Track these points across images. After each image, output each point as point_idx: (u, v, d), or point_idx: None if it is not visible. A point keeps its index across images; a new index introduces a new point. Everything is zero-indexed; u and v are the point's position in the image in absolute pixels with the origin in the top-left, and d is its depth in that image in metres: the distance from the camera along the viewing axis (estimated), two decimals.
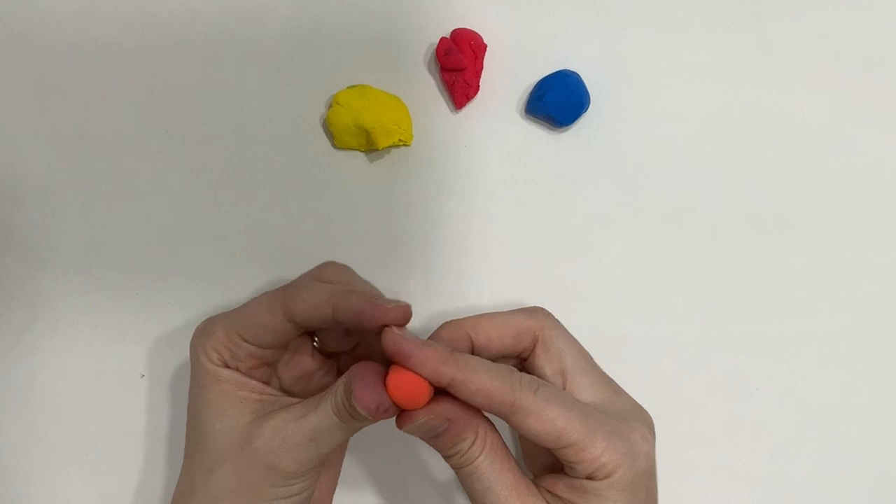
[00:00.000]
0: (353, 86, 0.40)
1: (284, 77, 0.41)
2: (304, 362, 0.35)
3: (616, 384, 0.33)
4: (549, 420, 0.29)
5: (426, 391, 0.29)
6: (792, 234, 0.41)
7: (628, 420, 0.31)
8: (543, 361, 0.33)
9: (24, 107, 0.41)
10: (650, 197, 0.41)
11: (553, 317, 0.34)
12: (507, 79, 0.41)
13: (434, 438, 0.30)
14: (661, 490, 0.32)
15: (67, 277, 0.40)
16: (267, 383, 0.34)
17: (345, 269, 0.35)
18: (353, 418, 0.30)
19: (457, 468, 0.31)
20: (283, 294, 0.33)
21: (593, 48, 0.41)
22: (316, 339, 0.35)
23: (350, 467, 0.39)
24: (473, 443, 0.30)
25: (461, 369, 0.29)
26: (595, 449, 0.29)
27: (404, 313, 0.31)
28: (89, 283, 0.40)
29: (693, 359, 0.40)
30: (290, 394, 0.34)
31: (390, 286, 0.40)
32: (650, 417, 0.33)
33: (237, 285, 0.40)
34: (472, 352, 0.33)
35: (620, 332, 0.40)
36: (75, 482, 0.39)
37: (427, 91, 0.41)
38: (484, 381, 0.29)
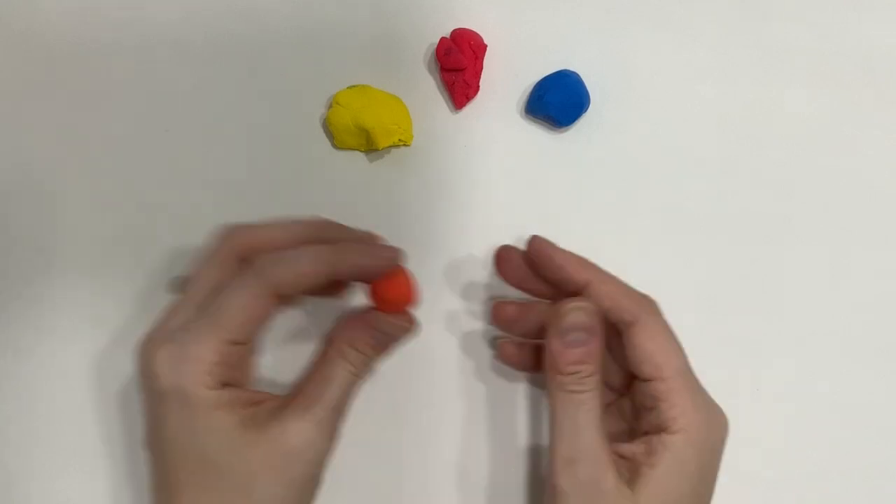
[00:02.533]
0: (353, 86, 0.40)
1: (284, 77, 0.41)
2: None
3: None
4: (659, 346, 0.32)
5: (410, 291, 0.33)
6: (792, 234, 0.41)
7: (716, 408, 0.33)
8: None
9: (25, 107, 0.41)
10: (650, 197, 0.41)
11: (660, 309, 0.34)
12: (507, 79, 0.41)
13: (574, 347, 0.32)
14: None
15: (67, 277, 0.40)
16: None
17: (258, 225, 0.34)
18: (367, 368, 0.33)
19: (568, 392, 0.32)
20: (260, 276, 0.31)
21: (593, 48, 0.41)
22: None
23: (351, 468, 0.39)
24: (593, 374, 0.32)
25: (597, 274, 0.33)
26: (683, 396, 0.31)
27: (400, 254, 0.32)
28: (89, 283, 0.40)
29: (693, 358, 0.39)
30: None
31: None
32: (728, 427, 0.33)
33: None
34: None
35: None
36: (75, 482, 0.39)
37: (427, 91, 0.41)
38: (616, 288, 0.33)
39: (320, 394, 0.32)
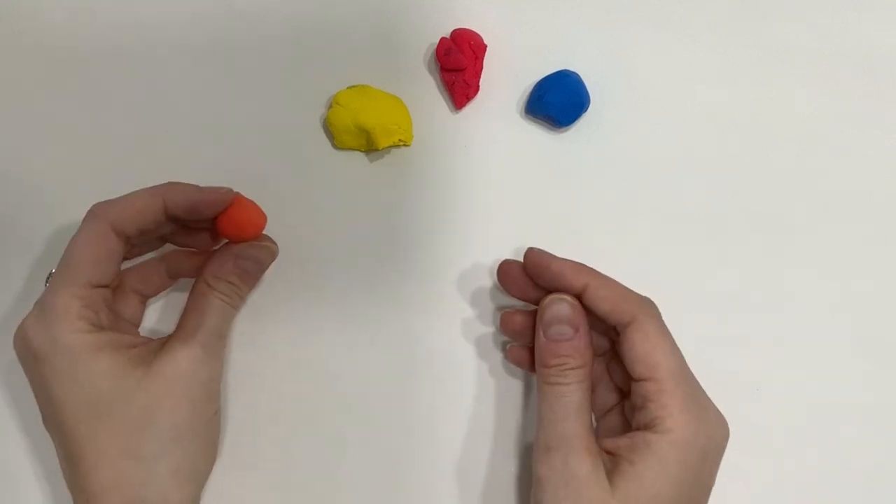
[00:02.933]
0: (354, 86, 0.40)
1: (284, 77, 0.41)
2: (125, 307, 0.36)
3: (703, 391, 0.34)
4: (653, 347, 0.32)
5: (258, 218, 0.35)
6: (792, 234, 0.41)
7: (712, 413, 0.33)
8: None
9: (26, 107, 0.41)
10: (650, 197, 0.41)
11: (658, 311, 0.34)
12: (507, 79, 0.41)
13: (558, 342, 0.33)
14: None
15: None
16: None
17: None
18: (239, 297, 0.35)
19: (551, 384, 0.33)
20: (99, 217, 0.33)
21: (593, 48, 0.41)
22: None
23: (351, 470, 0.39)
24: (576, 369, 0.33)
25: (594, 278, 0.33)
26: (673, 398, 0.31)
27: (231, 193, 0.34)
28: None
29: (693, 358, 0.39)
30: None
31: (390, 286, 0.40)
32: (728, 434, 0.33)
33: None
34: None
35: None
36: None
37: (427, 91, 0.41)
38: (613, 291, 0.33)
39: (200, 322, 0.34)
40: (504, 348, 0.39)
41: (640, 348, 0.32)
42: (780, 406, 0.40)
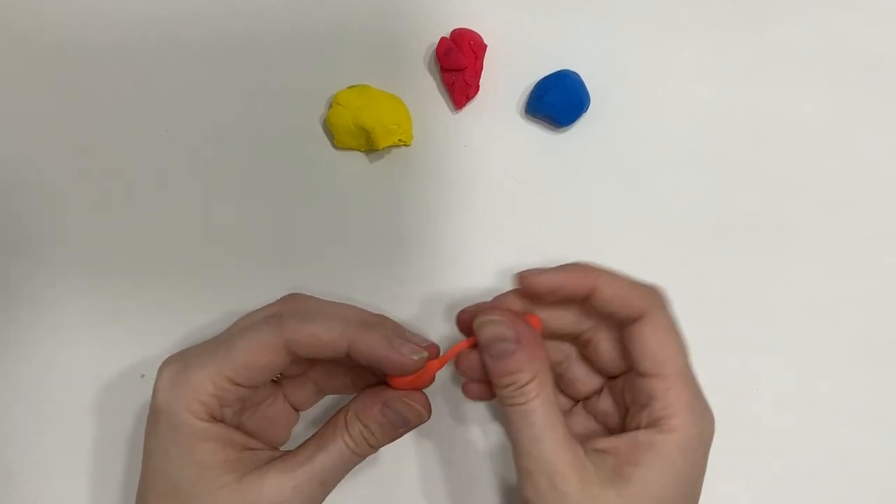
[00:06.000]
0: (353, 86, 0.40)
1: (284, 77, 0.41)
2: (269, 410, 0.34)
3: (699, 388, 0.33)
4: (663, 343, 0.31)
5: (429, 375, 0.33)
6: (791, 235, 0.41)
7: (706, 409, 0.32)
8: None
9: (26, 107, 0.41)
10: (650, 197, 0.41)
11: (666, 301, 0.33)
12: (507, 79, 0.41)
13: (499, 359, 0.31)
14: None
15: (68, 277, 0.40)
16: (237, 426, 0.32)
17: (319, 300, 0.34)
18: (370, 447, 0.32)
19: (511, 405, 0.31)
20: (280, 327, 0.31)
21: (593, 48, 0.41)
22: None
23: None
24: (530, 381, 0.30)
25: (599, 277, 0.32)
26: (680, 397, 0.31)
27: (420, 365, 0.31)
28: (90, 283, 0.40)
29: (693, 358, 0.39)
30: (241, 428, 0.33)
31: (390, 286, 0.40)
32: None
33: (237, 285, 0.40)
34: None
35: None
36: (75, 482, 0.39)
37: (427, 91, 0.41)
38: (621, 288, 0.32)
39: (309, 459, 0.31)
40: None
41: (650, 345, 0.31)
42: (779, 406, 0.40)
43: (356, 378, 0.35)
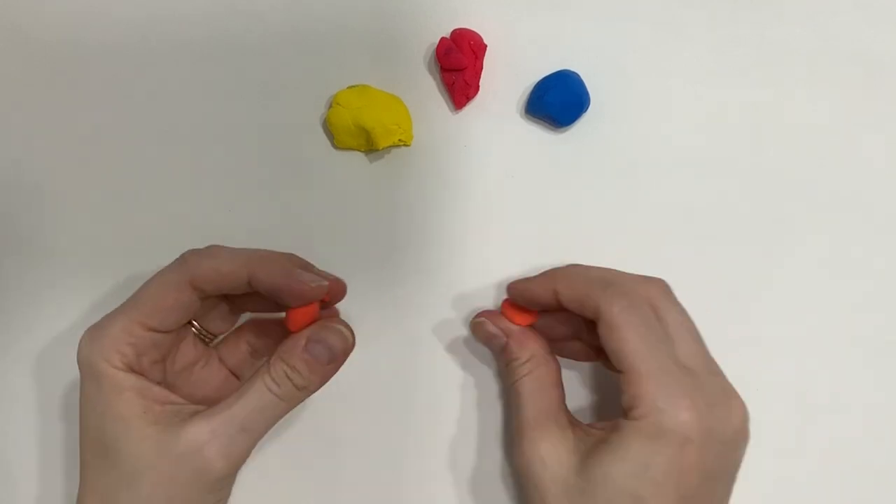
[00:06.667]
0: (353, 86, 0.40)
1: (284, 77, 0.41)
2: (185, 352, 0.35)
3: (716, 365, 0.33)
4: (618, 340, 0.31)
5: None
6: (791, 236, 0.41)
7: (716, 399, 0.31)
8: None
9: (25, 107, 0.41)
10: (650, 197, 0.41)
11: (668, 289, 0.34)
12: (507, 79, 0.41)
13: (500, 351, 0.36)
14: None
15: (68, 277, 0.40)
16: (161, 383, 0.33)
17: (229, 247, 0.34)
18: (296, 389, 0.31)
19: (507, 381, 0.36)
20: (184, 267, 0.32)
21: (594, 48, 0.41)
22: (195, 325, 0.35)
23: (350, 471, 0.39)
24: (524, 363, 0.35)
25: (559, 281, 0.34)
26: (646, 388, 0.30)
27: (322, 292, 0.32)
28: (90, 283, 0.40)
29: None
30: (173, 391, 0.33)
31: (390, 286, 0.40)
32: (743, 410, 0.32)
33: None
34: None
35: None
36: (75, 482, 0.39)
37: (427, 91, 0.41)
38: (573, 290, 0.33)
39: (228, 406, 0.31)
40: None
41: (609, 344, 0.32)
42: (779, 407, 0.40)
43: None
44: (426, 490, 0.39)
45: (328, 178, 0.40)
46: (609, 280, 0.33)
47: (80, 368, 0.32)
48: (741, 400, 0.32)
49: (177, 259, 0.33)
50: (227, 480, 0.32)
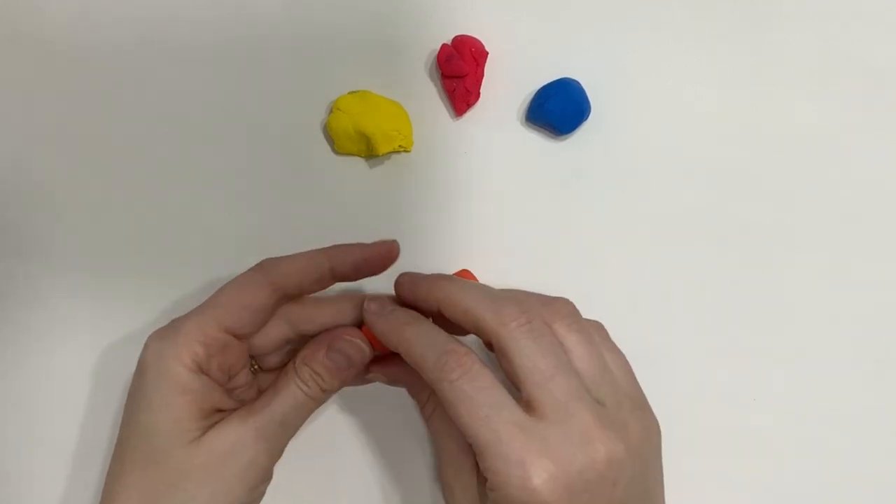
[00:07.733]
0: (354, 91, 0.40)
1: (285, 82, 0.41)
2: (241, 378, 0.35)
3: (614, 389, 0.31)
4: (514, 370, 0.30)
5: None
6: (792, 243, 0.41)
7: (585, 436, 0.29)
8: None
9: (25, 107, 0.41)
10: (650, 204, 0.41)
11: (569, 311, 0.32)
12: (507, 86, 0.41)
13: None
14: None
15: (67, 277, 0.40)
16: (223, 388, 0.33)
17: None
18: (322, 391, 0.33)
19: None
20: (262, 269, 0.33)
21: (594, 56, 0.41)
22: (254, 361, 0.35)
23: (350, 470, 0.39)
24: (425, 404, 0.34)
25: (446, 294, 0.32)
26: (495, 459, 0.28)
27: (397, 247, 0.34)
28: (90, 284, 0.40)
29: (691, 368, 0.40)
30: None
31: (389, 291, 0.40)
32: (611, 445, 0.29)
33: None
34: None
35: (619, 341, 0.40)
36: (75, 482, 0.39)
37: (428, 97, 0.41)
38: (466, 311, 0.31)
39: (266, 404, 0.32)
40: None
41: (507, 370, 0.30)
42: (778, 415, 0.40)
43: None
44: (426, 490, 0.39)
45: (328, 184, 0.41)
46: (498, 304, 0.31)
47: (141, 368, 0.32)
48: (614, 433, 0.29)
49: (255, 265, 0.33)
50: (269, 475, 0.33)
